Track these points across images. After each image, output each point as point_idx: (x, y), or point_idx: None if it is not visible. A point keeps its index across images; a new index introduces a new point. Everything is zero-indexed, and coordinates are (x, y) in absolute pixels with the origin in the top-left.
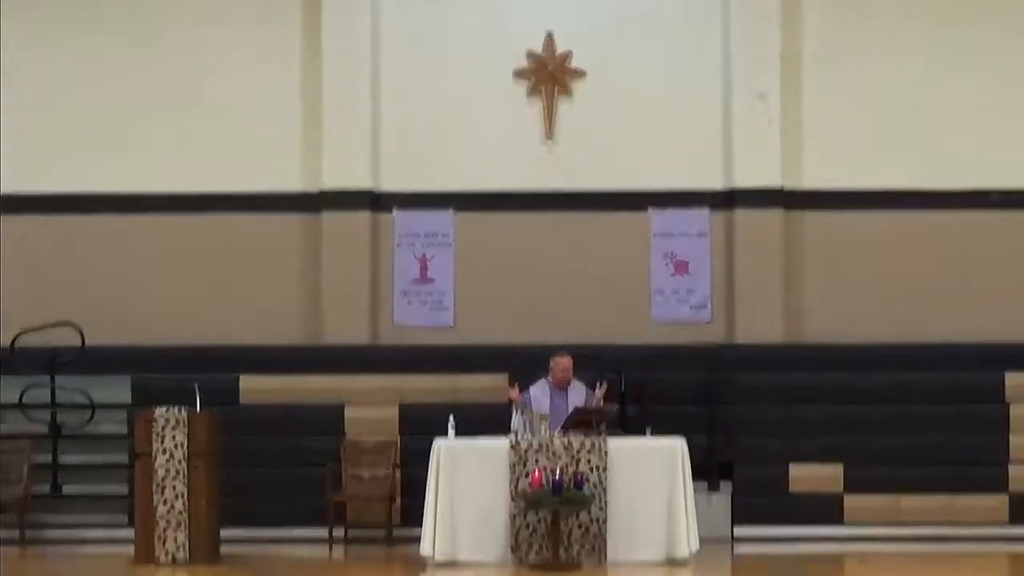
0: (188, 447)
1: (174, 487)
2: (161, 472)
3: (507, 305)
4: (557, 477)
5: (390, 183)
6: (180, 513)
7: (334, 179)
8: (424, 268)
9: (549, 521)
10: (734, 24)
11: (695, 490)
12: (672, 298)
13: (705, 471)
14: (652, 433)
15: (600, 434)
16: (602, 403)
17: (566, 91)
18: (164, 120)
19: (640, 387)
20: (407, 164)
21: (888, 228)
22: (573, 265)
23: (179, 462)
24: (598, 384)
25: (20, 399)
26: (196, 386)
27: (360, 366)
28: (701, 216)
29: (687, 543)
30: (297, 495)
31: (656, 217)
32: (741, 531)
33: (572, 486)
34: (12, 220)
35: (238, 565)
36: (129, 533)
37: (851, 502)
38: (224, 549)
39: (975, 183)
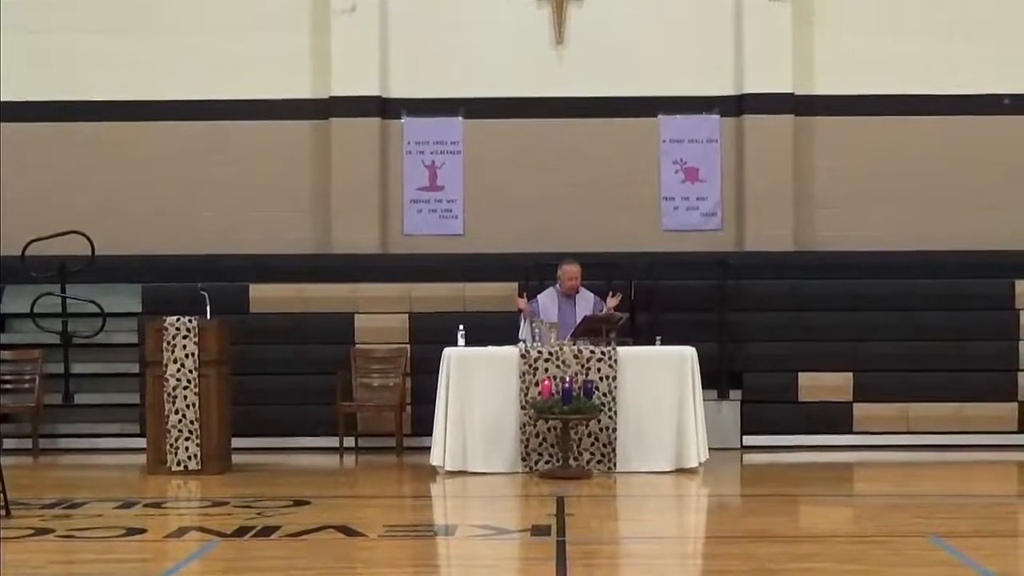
0: (198, 356)
1: (185, 396)
2: (172, 381)
3: (517, 213)
4: (567, 386)
5: (399, 89)
6: (191, 422)
7: (343, 85)
8: (433, 176)
9: (559, 430)
10: None
11: (705, 398)
12: (682, 205)
13: (715, 379)
14: (662, 341)
15: (610, 342)
16: (613, 311)
17: None
18: (173, 27)
19: (650, 295)
20: (416, 70)
21: (899, 134)
22: (583, 172)
23: (190, 371)
24: (611, 294)
25: (31, 308)
26: (206, 295)
27: (370, 274)
28: (711, 122)
29: (696, 452)
30: (307, 404)
31: (666, 123)
32: (750, 440)
33: (582, 395)
34: (19, 128)
35: (249, 473)
36: (141, 442)
37: (860, 410)
38: (235, 458)
39: (987, 87)
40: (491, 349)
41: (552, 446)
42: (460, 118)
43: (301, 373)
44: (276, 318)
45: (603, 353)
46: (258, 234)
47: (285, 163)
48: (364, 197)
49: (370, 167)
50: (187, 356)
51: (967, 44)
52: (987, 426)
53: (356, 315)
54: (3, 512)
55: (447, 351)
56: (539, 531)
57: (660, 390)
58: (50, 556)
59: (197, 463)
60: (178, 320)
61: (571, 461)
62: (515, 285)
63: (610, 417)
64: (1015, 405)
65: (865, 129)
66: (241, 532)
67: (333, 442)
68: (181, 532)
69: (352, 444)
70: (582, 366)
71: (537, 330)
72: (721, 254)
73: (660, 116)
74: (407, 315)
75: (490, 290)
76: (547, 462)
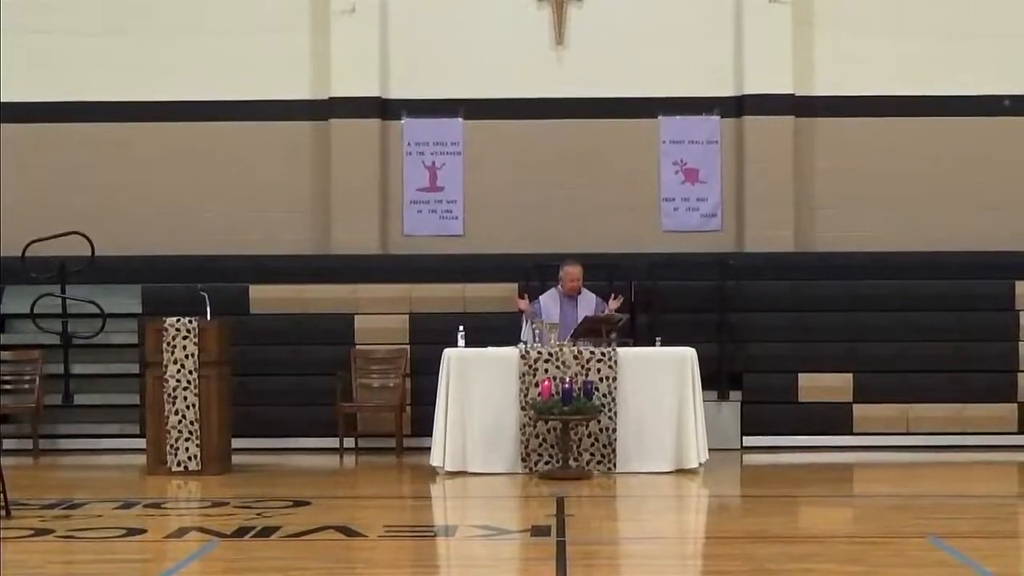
0: (198, 356)
1: (185, 397)
2: (172, 382)
3: (517, 214)
4: (567, 386)
5: (399, 90)
6: (191, 423)
7: (343, 86)
8: (433, 177)
9: (559, 431)
10: None
11: (705, 399)
12: (682, 206)
13: (715, 380)
14: (662, 342)
15: (610, 343)
16: (613, 312)
17: None
18: (173, 28)
19: (650, 296)
20: (416, 71)
21: (899, 135)
22: (583, 173)
23: (190, 372)
24: (612, 296)
25: (31, 309)
26: (205, 295)
27: (370, 275)
28: (711, 123)
29: (696, 453)
30: (307, 404)
31: (666, 124)
32: (750, 440)
33: (582, 395)
34: (19, 128)
35: (249, 474)
36: (141, 442)
37: (860, 411)
38: (235, 458)
39: (987, 88)
40: (491, 350)
41: (552, 447)
42: (460, 119)
43: (301, 374)
44: (276, 319)
45: (603, 354)
46: (258, 234)
47: (285, 163)
48: (364, 198)
49: (370, 168)
50: (187, 357)
51: (967, 44)
52: (987, 427)
53: (356, 316)
54: (3, 512)
55: (447, 352)
56: (539, 531)
57: (660, 391)
58: (50, 556)
59: (197, 464)
60: (178, 321)
61: (571, 462)
62: (515, 286)
63: (610, 418)
64: (1015, 406)
65: (865, 130)
66: (241, 532)
67: (333, 443)
68: (181, 532)
69: (352, 445)
70: (582, 367)
71: (538, 331)
72: (721, 255)
73: (660, 117)
74: (407, 316)
75: (490, 291)
76: (547, 463)
